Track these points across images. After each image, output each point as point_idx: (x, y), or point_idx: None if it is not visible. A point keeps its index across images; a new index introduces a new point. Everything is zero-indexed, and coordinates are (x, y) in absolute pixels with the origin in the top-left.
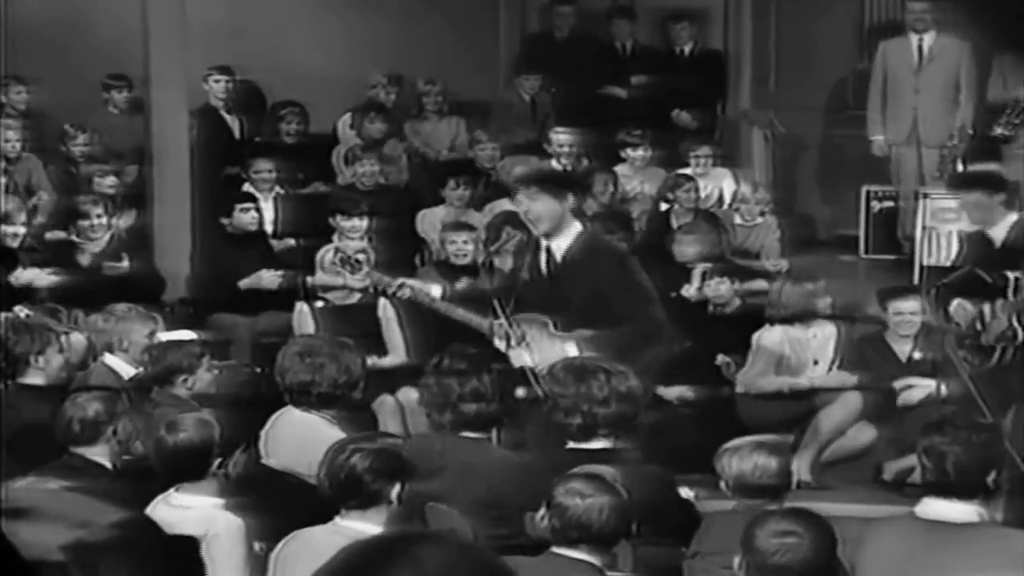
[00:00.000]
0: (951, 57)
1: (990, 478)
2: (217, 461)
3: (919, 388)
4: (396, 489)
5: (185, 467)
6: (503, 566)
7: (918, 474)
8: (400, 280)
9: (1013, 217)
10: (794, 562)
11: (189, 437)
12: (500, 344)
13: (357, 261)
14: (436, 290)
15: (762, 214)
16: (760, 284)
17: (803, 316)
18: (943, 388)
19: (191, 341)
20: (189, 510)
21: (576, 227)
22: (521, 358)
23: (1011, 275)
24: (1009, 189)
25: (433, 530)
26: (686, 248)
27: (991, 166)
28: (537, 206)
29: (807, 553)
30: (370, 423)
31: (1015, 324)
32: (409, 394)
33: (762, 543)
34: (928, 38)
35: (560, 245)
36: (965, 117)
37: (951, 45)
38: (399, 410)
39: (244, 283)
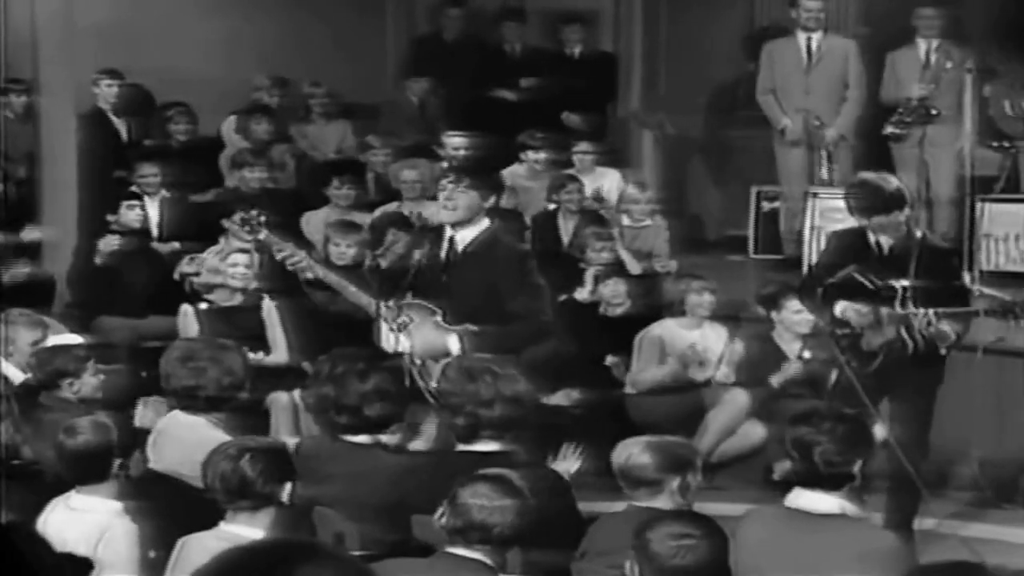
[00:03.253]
0: (838, 55)
1: (856, 467)
2: (117, 462)
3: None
4: (287, 490)
5: (84, 470)
6: None
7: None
8: (284, 243)
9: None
10: (691, 564)
11: (87, 440)
12: (384, 327)
13: (257, 223)
14: (319, 268)
15: (651, 215)
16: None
17: (691, 312)
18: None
19: (77, 345)
20: (86, 513)
21: (484, 222)
22: (400, 344)
23: (898, 285)
24: (910, 202)
25: (309, 541)
26: (598, 254)
27: (889, 178)
28: (462, 197)
29: (703, 554)
30: (258, 424)
31: (903, 335)
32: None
33: (657, 547)
34: (816, 37)
35: (465, 236)
36: (850, 116)
37: (838, 44)
38: (292, 407)
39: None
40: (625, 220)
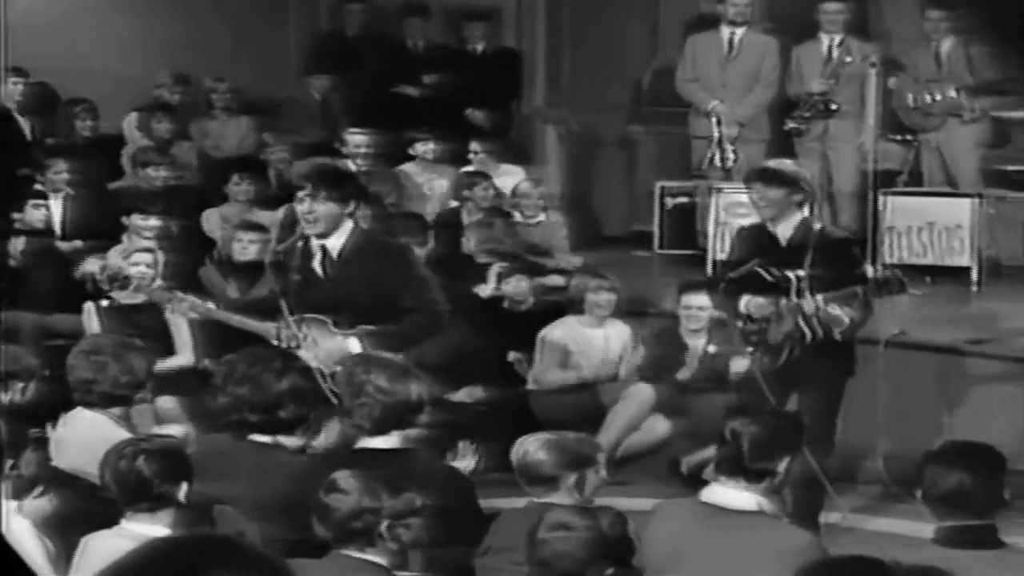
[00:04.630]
0: (756, 51)
1: (782, 465)
2: (9, 463)
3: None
4: (183, 490)
5: None
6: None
7: (714, 463)
8: (174, 294)
9: (799, 216)
10: (565, 551)
11: None
12: (284, 346)
13: (126, 278)
14: (211, 303)
15: (544, 211)
16: (556, 279)
17: (589, 312)
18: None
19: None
20: None
21: (348, 225)
22: (306, 357)
23: (792, 275)
24: (807, 189)
25: (229, 538)
26: (476, 244)
27: (788, 162)
28: (321, 208)
29: (579, 545)
30: None
31: (801, 325)
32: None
33: (540, 535)
34: (740, 32)
35: (335, 244)
36: (749, 106)
37: (759, 40)
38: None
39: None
40: (516, 216)
